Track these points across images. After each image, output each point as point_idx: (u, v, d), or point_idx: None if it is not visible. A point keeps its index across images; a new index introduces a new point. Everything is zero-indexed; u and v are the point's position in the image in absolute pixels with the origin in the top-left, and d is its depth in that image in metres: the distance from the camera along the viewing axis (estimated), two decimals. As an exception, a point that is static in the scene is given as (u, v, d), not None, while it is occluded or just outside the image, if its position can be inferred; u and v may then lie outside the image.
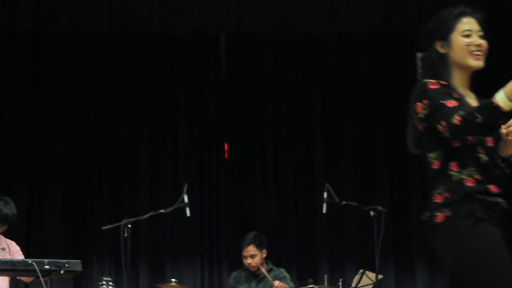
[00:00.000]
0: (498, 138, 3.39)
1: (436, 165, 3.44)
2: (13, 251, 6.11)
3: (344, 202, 6.81)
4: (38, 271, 5.25)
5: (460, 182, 3.36)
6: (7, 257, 5.84)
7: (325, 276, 7.60)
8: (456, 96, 3.37)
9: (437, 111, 3.35)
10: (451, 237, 3.35)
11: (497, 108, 3.19)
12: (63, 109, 8.49)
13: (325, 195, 6.71)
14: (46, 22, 8.10)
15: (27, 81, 8.48)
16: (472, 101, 3.46)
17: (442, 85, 3.41)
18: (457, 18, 3.51)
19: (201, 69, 8.70)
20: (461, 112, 3.25)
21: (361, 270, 6.93)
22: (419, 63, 3.56)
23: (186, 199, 6.74)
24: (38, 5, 8.04)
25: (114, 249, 7.85)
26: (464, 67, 3.49)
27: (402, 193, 8.56)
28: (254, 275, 7.28)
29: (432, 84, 3.41)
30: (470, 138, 3.32)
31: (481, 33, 3.49)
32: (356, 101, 8.69)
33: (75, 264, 5.46)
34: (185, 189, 6.76)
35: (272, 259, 7.42)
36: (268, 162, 8.60)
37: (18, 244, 6.22)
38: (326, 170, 8.54)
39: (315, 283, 7.00)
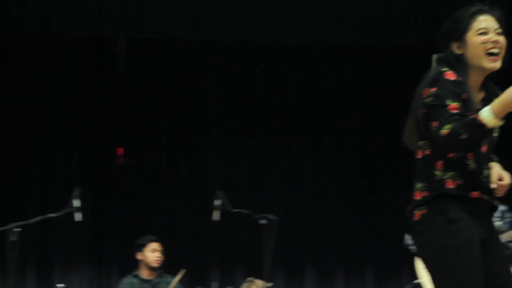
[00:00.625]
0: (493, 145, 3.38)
1: (420, 154, 3.40)
2: None
3: (235, 210, 6.83)
4: None
5: (441, 181, 3.32)
6: None
7: (214, 283, 7.61)
8: (464, 97, 3.29)
9: (437, 108, 3.27)
10: (424, 235, 3.35)
11: (481, 125, 3.13)
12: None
13: (217, 202, 6.72)
14: None
15: None
16: (479, 104, 3.36)
17: (458, 80, 3.31)
18: (473, 17, 3.40)
19: (99, 72, 8.61)
20: (452, 125, 3.18)
21: (250, 278, 6.97)
22: (434, 64, 3.47)
23: (77, 203, 6.65)
24: None
25: (1, 253, 7.68)
26: (479, 69, 3.39)
27: (294, 201, 8.65)
28: (146, 281, 7.26)
29: (448, 75, 3.32)
30: (451, 155, 3.26)
31: (499, 31, 3.38)
32: (251, 108, 8.75)
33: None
34: (76, 193, 6.67)
35: (163, 265, 7.41)
36: (162, 168, 8.57)
37: None
38: (220, 176, 8.57)
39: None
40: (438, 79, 3.31)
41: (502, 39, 3.38)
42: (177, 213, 8.51)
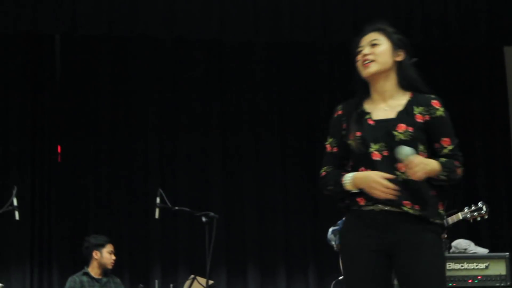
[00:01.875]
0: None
1: None
2: None
3: (176, 208, 6.82)
4: None
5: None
6: None
7: (156, 281, 7.60)
8: (343, 127, 3.59)
9: (325, 147, 3.69)
10: None
11: (342, 185, 3.54)
12: None
13: (158, 200, 6.70)
14: None
15: None
16: (385, 112, 3.57)
17: (338, 115, 3.65)
18: (361, 39, 3.66)
19: (35, 70, 8.50)
20: (327, 169, 3.62)
21: (192, 276, 6.96)
22: None
23: (15, 202, 6.59)
24: None
25: None
26: (368, 80, 3.63)
27: (236, 199, 8.66)
28: (97, 279, 7.24)
29: (336, 112, 3.68)
30: (325, 192, 3.65)
31: (374, 42, 3.61)
32: (191, 105, 8.73)
33: None
34: (14, 192, 6.60)
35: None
36: (101, 166, 8.50)
37: None
38: (161, 174, 8.54)
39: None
40: (332, 118, 3.69)
41: (375, 49, 3.60)
42: (118, 211, 8.45)
